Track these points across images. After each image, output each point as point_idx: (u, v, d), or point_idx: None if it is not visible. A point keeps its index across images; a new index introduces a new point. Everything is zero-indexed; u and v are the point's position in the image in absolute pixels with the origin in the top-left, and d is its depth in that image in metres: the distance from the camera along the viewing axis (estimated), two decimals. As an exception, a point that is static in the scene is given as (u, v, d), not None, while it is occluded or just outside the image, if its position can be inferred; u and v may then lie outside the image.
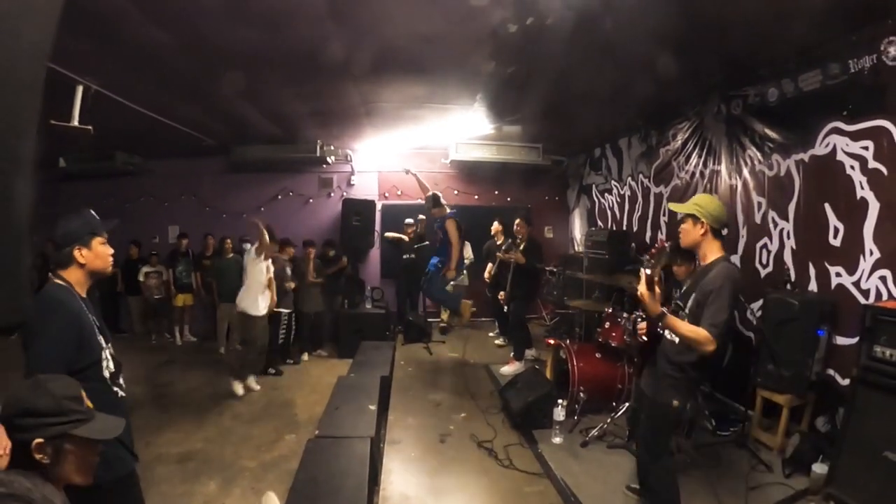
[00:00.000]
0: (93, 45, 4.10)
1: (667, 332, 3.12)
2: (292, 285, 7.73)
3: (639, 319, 4.96)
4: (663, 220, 7.25)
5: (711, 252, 3.08)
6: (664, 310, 2.86)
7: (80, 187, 9.50)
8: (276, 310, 7.22)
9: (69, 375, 1.94)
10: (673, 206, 3.29)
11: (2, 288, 1.24)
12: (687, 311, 3.01)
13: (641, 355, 3.32)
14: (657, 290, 2.84)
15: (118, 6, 3.67)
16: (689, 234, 3.12)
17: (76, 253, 2.29)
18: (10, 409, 1.52)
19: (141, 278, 9.10)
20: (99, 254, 2.37)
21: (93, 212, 2.41)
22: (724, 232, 3.13)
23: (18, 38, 1.19)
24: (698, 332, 2.80)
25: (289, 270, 7.71)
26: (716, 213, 3.05)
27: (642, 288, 2.85)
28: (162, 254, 9.61)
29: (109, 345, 2.36)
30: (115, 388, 2.33)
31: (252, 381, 6.77)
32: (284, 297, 7.55)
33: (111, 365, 2.32)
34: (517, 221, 7.30)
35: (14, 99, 1.20)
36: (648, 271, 2.89)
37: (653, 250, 3.07)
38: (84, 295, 2.33)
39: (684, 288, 3.10)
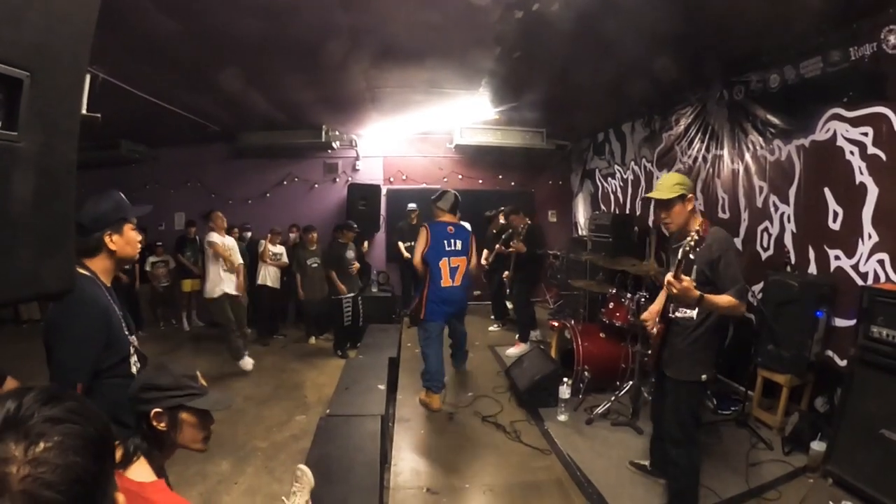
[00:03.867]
0: (101, 33, 4.12)
1: (679, 311, 3.17)
2: (356, 266, 7.98)
3: (642, 300, 5.07)
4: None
5: (695, 221, 3.14)
6: (699, 294, 2.83)
7: (85, 176, 9.42)
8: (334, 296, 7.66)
9: (97, 374, 1.96)
10: (658, 195, 3.20)
11: (55, 256, 1.31)
12: (695, 283, 2.94)
13: (659, 342, 3.29)
14: (684, 278, 2.82)
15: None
16: (681, 214, 3.14)
17: (107, 239, 2.11)
18: (138, 384, 1.76)
19: (147, 268, 9.18)
20: (130, 240, 2.21)
21: (122, 194, 2.25)
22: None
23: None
24: (730, 301, 2.89)
25: (351, 254, 7.86)
26: (692, 186, 3.15)
27: (676, 285, 2.79)
28: (169, 241, 9.68)
29: (133, 337, 2.22)
30: None
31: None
32: (349, 281, 7.78)
33: (137, 360, 2.19)
34: (512, 217, 7.36)
35: (55, 58, 1.26)
36: (678, 258, 2.88)
37: (682, 245, 2.90)
38: (108, 284, 2.17)
39: (676, 264, 2.97)
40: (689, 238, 2.80)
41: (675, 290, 2.81)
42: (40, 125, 1.19)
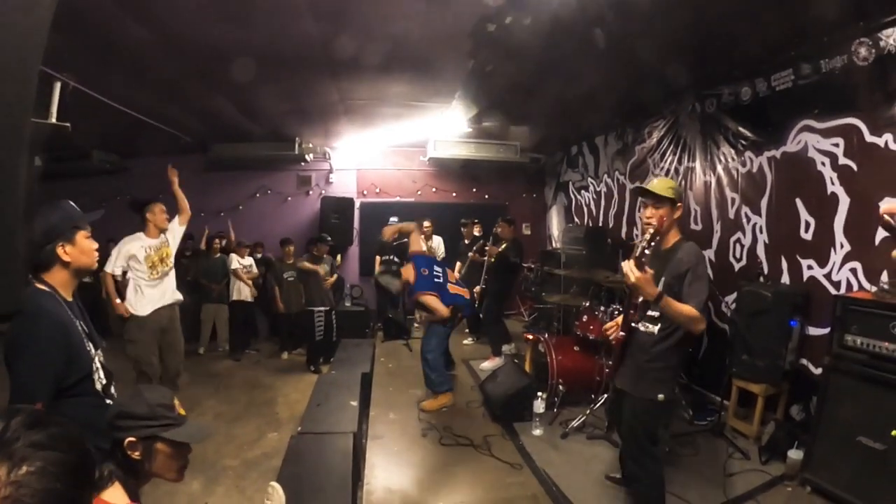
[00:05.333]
0: (72, 40, 4.03)
1: (641, 325, 3.09)
2: (330, 281, 7.89)
3: (616, 312, 5.05)
4: (638, 216, 7.35)
5: (674, 234, 3.11)
6: (660, 290, 2.82)
7: (55, 186, 9.21)
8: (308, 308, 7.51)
9: (59, 392, 1.90)
10: (653, 187, 3.14)
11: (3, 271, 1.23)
12: (637, 250, 2.90)
13: (619, 351, 3.22)
14: (648, 270, 2.79)
15: (99, 2, 3.64)
16: (667, 218, 3.06)
17: (59, 250, 2.04)
18: (112, 411, 1.75)
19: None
20: (84, 249, 2.13)
21: (72, 202, 2.19)
22: None
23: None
24: (690, 311, 2.82)
25: (326, 267, 7.76)
26: (682, 196, 3.11)
27: (635, 272, 2.75)
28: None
29: (99, 352, 2.16)
30: (108, 401, 2.12)
31: None
32: (322, 295, 7.65)
33: (102, 375, 2.12)
34: (502, 224, 7.33)
35: (14, 84, 1.19)
36: (636, 254, 2.82)
37: (632, 243, 3.04)
38: (70, 298, 2.11)
39: (633, 258, 2.87)
40: (645, 233, 2.82)
41: (632, 279, 2.75)
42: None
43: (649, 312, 3.02)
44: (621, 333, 3.19)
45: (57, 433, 0.91)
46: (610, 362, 4.89)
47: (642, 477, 3.20)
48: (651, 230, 2.81)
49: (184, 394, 6.41)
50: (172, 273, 5.29)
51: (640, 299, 3.01)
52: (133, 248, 5.10)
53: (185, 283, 8.89)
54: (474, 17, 4.17)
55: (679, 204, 3.09)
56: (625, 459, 3.56)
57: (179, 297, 5.34)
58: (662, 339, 3.02)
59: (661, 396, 3.03)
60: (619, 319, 3.34)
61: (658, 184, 3.11)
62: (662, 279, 2.94)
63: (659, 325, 3.00)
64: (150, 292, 5.15)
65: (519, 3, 3.86)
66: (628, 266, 2.78)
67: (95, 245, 2.21)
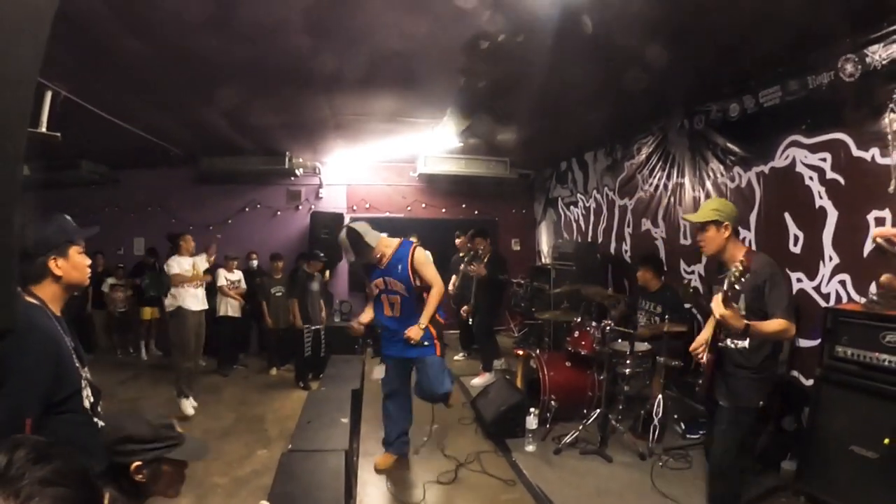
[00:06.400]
0: (65, 49, 4.02)
1: (730, 342, 3.15)
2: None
3: (607, 328, 5.06)
4: (627, 231, 7.42)
5: (738, 251, 3.12)
6: (746, 321, 2.87)
7: (43, 196, 9.08)
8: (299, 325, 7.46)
9: (47, 409, 1.85)
10: (691, 217, 3.30)
11: None
12: (745, 312, 3.00)
13: (711, 369, 3.24)
14: (734, 305, 2.87)
15: (92, 11, 3.62)
16: (714, 240, 3.16)
17: (51, 264, 2.00)
18: (113, 436, 1.78)
19: (105, 289, 8.87)
20: (76, 264, 2.08)
21: (68, 217, 2.14)
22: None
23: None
24: (780, 324, 2.90)
25: (316, 285, 7.74)
26: (734, 214, 3.17)
27: (721, 309, 2.85)
28: (127, 266, 9.41)
29: (86, 369, 2.08)
30: (96, 419, 2.05)
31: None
32: (312, 312, 7.62)
33: (91, 393, 2.05)
34: (477, 240, 7.36)
35: (10, 94, 1.17)
36: (724, 290, 2.88)
37: (727, 275, 2.91)
38: (59, 313, 2.04)
39: (721, 293, 2.94)
40: (734, 268, 2.79)
41: (718, 315, 2.86)
42: None
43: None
44: (711, 355, 3.20)
45: (63, 468, 0.89)
46: (604, 377, 4.93)
47: (721, 491, 3.27)
48: (740, 266, 2.78)
49: (171, 409, 6.36)
50: (203, 287, 6.83)
51: None
52: (184, 263, 6.63)
53: (147, 299, 8.98)
54: (467, 34, 4.20)
55: (726, 223, 3.13)
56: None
57: (206, 305, 6.86)
58: (755, 350, 3.10)
59: (760, 402, 3.16)
60: (704, 338, 3.32)
61: (702, 206, 3.24)
62: (742, 297, 3.00)
63: (748, 338, 3.05)
64: (193, 298, 6.58)
65: (511, 21, 3.90)
66: (716, 302, 2.88)
67: (88, 261, 2.16)
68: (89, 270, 2.17)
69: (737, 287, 2.81)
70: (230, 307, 8.28)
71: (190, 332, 6.51)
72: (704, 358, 3.26)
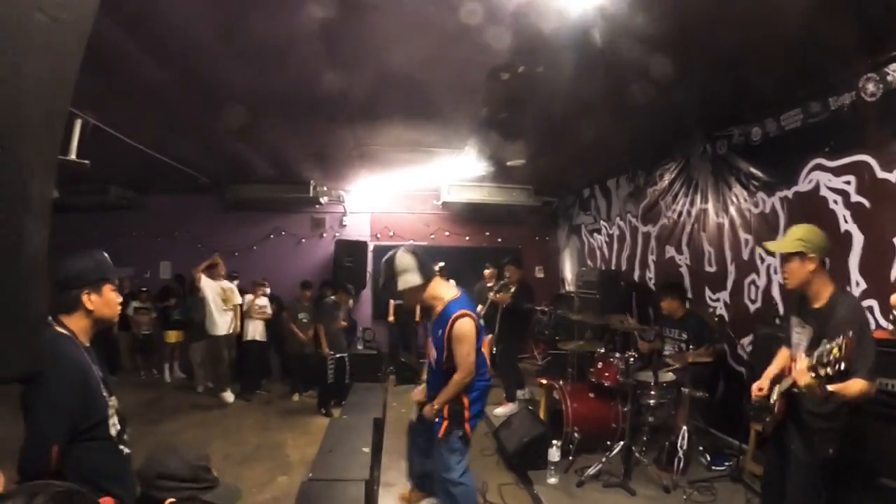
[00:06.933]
0: (93, 79, 4.15)
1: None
2: (343, 324, 7.90)
3: (631, 360, 4.99)
4: (651, 259, 7.35)
5: (825, 287, 2.85)
6: (830, 390, 2.56)
7: (72, 219, 9.21)
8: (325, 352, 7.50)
9: (74, 436, 1.92)
10: (772, 247, 3.15)
11: (24, 339, 1.24)
12: (815, 358, 2.58)
13: (781, 415, 3.00)
14: (821, 372, 2.50)
15: (119, 43, 3.76)
16: (798, 273, 2.85)
17: (84, 297, 2.06)
18: (150, 470, 1.81)
19: (130, 312, 9.04)
20: (109, 301, 2.15)
21: (105, 254, 2.22)
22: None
23: (20, 72, 1.17)
24: (863, 386, 2.57)
25: (342, 315, 7.81)
26: (823, 245, 2.84)
27: (805, 378, 2.57)
28: (153, 289, 9.60)
29: (114, 398, 2.15)
30: (121, 447, 2.13)
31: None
32: (336, 341, 7.64)
33: (117, 421, 2.12)
34: (510, 268, 7.32)
35: (23, 138, 1.21)
36: (813, 362, 2.56)
37: (823, 351, 2.53)
38: (87, 343, 2.12)
39: (807, 361, 2.65)
40: (834, 347, 2.41)
41: (801, 384, 2.60)
42: (7, 202, 1.13)
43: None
44: (783, 401, 2.98)
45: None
46: (628, 408, 4.85)
47: None
48: (839, 350, 2.38)
49: (192, 433, 6.44)
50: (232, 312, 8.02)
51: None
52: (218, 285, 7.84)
53: (172, 322, 9.18)
54: (488, 66, 4.26)
55: (811, 256, 2.80)
56: None
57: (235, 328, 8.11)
58: (825, 400, 2.75)
59: (831, 451, 2.86)
60: (772, 373, 3.14)
61: (787, 234, 3.00)
62: (824, 342, 2.61)
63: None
64: (222, 320, 7.84)
65: (531, 53, 3.94)
66: (801, 371, 2.61)
67: (119, 299, 2.24)
68: (120, 308, 2.25)
69: (829, 371, 2.43)
70: (257, 332, 8.40)
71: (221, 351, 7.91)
72: (776, 407, 3.02)
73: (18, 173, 1.22)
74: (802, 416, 2.92)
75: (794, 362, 2.78)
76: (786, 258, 2.92)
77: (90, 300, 2.08)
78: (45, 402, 1.88)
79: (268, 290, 8.99)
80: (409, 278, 3.53)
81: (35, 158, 1.27)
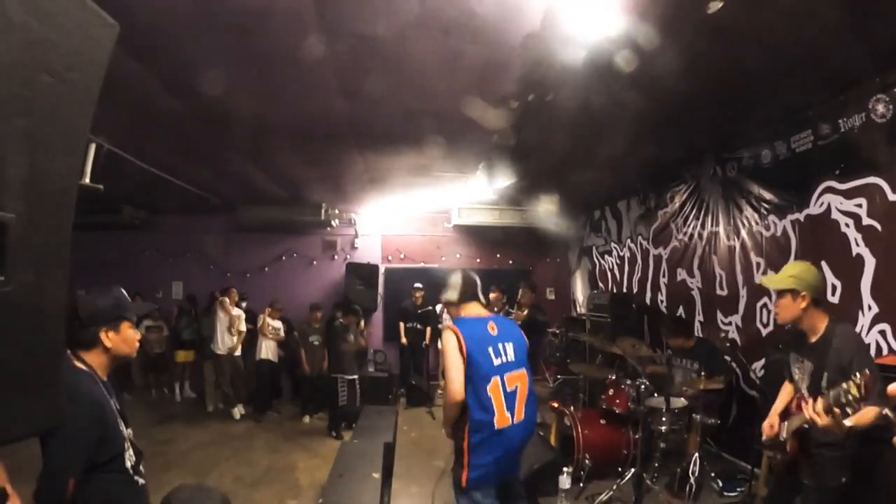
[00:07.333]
0: (107, 106, 4.25)
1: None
2: (362, 342, 8.14)
3: (642, 387, 4.94)
4: (663, 281, 7.31)
5: (820, 321, 2.89)
6: (847, 423, 2.47)
7: (85, 238, 9.32)
8: (334, 374, 7.61)
9: (90, 469, 1.95)
10: (766, 282, 3.24)
11: (44, 394, 1.26)
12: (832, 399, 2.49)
13: (795, 446, 2.98)
14: (839, 411, 2.44)
15: (133, 72, 3.86)
16: (789, 309, 2.90)
17: (103, 335, 2.10)
18: None
19: (141, 331, 9.04)
20: (126, 338, 2.19)
21: (123, 290, 2.28)
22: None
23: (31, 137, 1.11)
24: (876, 412, 2.46)
25: (352, 338, 7.85)
26: (815, 283, 2.90)
27: (824, 420, 2.52)
28: (164, 309, 9.70)
29: (130, 430, 2.19)
30: (137, 478, 2.17)
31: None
32: (347, 364, 7.68)
33: (133, 454, 2.17)
34: (525, 291, 7.27)
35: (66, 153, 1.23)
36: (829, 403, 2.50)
37: (839, 392, 2.42)
38: (105, 378, 2.15)
39: (802, 371, 2.84)
40: (852, 387, 2.33)
41: (819, 424, 2.54)
42: (29, 266, 1.16)
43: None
44: (794, 442, 2.97)
45: None
46: (639, 435, 4.80)
47: None
48: (858, 391, 2.31)
49: (203, 454, 6.44)
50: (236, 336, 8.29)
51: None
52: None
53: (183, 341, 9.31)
54: (498, 94, 4.31)
55: (803, 293, 2.84)
56: None
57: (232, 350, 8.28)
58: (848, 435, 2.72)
59: (843, 479, 2.87)
60: (778, 410, 3.15)
61: (782, 270, 3.04)
62: (825, 375, 2.71)
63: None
64: (222, 341, 8.19)
65: (540, 82, 3.98)
66: (819, 413, 2.54)
67: (138, 336, 2.29)
68: (138, 345, 2.29)
69: (848, 410, 2.36)
70: (269, 351, 8.44)
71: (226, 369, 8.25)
72: (788, 447, 3.01)
73: (42, 236, 1.23)
74: (813, 450, 2.91)
75: (804, 401, 2.77)
76: (779, 294, 2.97)
77: (108, 338, 2.12)
78: (62, 438, 1.88)
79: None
80: (449, 294, 3.45)
81: (52, 217, 1.28)
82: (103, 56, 1.26)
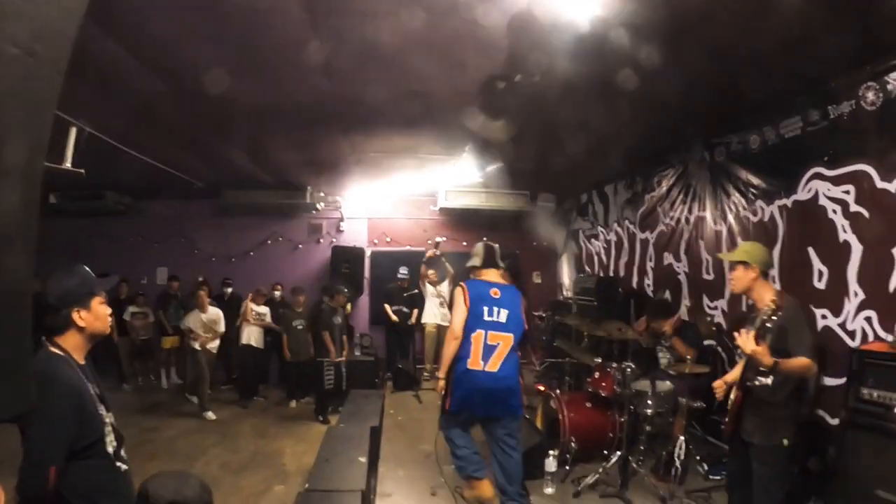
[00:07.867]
0: (89, 89, 4.17)
1: (757, 381, 3.21)
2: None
3: (628, 370, 4.97)
4: (649, 266, 7.33)
5: (767, 293, 3.29)
6: (774, 360, 3.01)
7: (69, 225, 9.32)
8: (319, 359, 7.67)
9: (71, 455, 1.92)
10: (723, 256, 3.77)
11: (11, 379, 1.21)
12: (757, 325, 3.12)
13: (737, 409, 3.32)
14: (763, 342, 3.03)
15: (114, 53, 3.77)
16: (742, 280, 3.36)
17: (75, 316, 2.06)
18: (167, 497, 1.86)
19: (127, 318, 9.00)
20: (99, 315, 2.14)
21: (87, 268, 2.21)
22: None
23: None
24: (804, 362, 3.05)
25: (339, 319, 7.85)
26: (764, 258, 3.41)
27: (752, 345, 3.01)
28: (149, 295, 9.60)
29: (110, 414, 2.15)
30: (119, 463, 2.14)
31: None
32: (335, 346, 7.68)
33: (114, 438, 2.13)
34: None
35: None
36: (756, 327, 3.07)
37: (759, 314, 3.16)
38: (82, 361, 2.12)
39: (753, 331, 3.09)
40: (766, 307, 3.03)
41: (749, 351, 3.03)
42: None
43: (761, 368, 3.13)
44: (738, 392, 3.30)
45: None
46: (625, 418, 4.83)
47: None
48: (772, 305, 3.00)
49: (189, 440, 6.42)
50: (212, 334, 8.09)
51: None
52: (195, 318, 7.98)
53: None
54: (484, 75, 4.26)
55: (753, 265, 3.32)
56: None
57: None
58: (779, 387, 3.17)
59: (785, 441, 3.20)
60: (730, 378, 3.46)
61: (738, 247, 3.65)
62: (769, 337, 3.10)
63: (772, 376, 3.14)
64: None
65: (527, 62, 3.93)
66: (745, 339, 3.06)
67: (109, 311, 2.23)
68: (110, 319, 2.24)
69: (768, 325, 3.01)
70: (253, 337, 8.41)
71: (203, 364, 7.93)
72: (731, 396, 3.36)
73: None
74: (754, 406, 3.27)
75: (739, 335, 3.15)
76: (732, 266, 3.47)
77: (80, 317, 2.08)
78: (40, 426, 1.88)
79: (277, 294, 9.14)
80: (473, 260, 4.29)
81: (16, 195, 1.22)
82: (72, 27, 1.20)
